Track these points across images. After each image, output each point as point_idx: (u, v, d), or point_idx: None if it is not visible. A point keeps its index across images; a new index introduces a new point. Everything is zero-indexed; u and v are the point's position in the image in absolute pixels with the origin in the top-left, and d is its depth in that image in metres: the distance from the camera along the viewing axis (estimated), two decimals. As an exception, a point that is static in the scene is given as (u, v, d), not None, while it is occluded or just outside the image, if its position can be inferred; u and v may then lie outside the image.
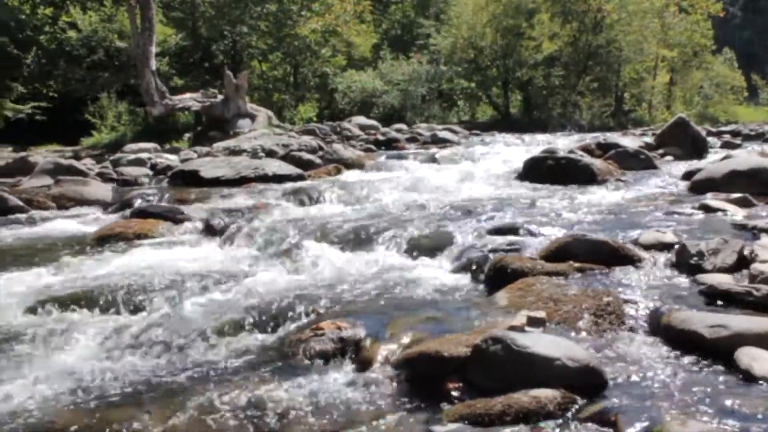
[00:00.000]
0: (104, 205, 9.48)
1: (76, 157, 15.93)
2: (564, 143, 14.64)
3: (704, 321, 3.27)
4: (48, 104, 23.83)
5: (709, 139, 13.91)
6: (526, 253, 4.96)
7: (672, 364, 3.12)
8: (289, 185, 9.77)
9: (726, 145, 13.94)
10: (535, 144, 15.57)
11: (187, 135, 19.51)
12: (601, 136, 14.63)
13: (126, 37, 24.64)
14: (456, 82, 34.82)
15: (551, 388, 2.78)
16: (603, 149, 11.04)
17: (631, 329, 3.56)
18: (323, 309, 4.19)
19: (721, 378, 2.94)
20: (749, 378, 2.88)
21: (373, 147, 16.24)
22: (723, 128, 22.31)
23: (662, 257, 4.66)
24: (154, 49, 20.14)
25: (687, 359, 3.15)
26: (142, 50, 19.66)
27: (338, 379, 3.30)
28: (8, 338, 4.04)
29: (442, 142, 17.18)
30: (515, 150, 14.25)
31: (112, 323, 4.32)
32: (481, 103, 36.52)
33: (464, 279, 4.81)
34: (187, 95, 20.54)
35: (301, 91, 31.19)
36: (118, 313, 4.53)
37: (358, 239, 6.05)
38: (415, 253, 5.56)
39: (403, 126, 22.05)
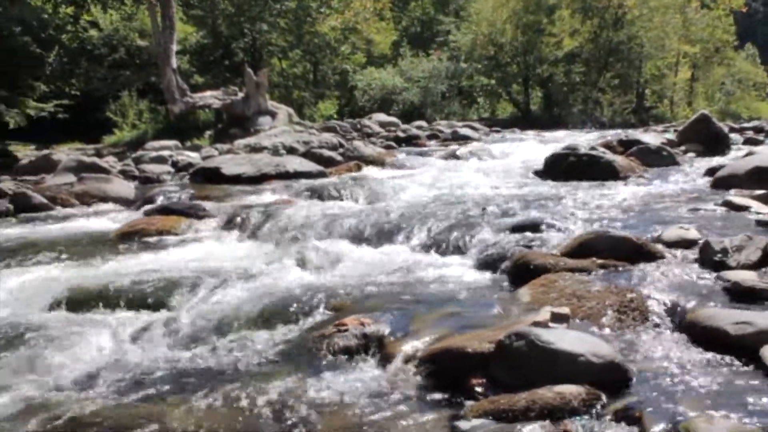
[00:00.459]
0: (127, 202, 9.55)
1: (99, 154, 16.04)
2: (585, 140, 14.57)
3: (729, 318, 3.25)
4: (70, 103, 23.96)
5: (732, 135, 13.78)
6: (548, 250, 4.95)
7: (697, 360, 3.11)
8: (310, 182, 9.78)
9: (748, 142, 13.80)
10: (556, 141, 15.49)
11: (207, 132, 19.54)
12: (622, 133, 14.57)
13: (147, 36, 24.75)
14: (476, 78, 34.70)
15: (575, 384, 2.78)
16: (624, 146, 10.98)
17: (655, 326, 3.55)
18: (346, 305, 4.21)
19: (746, 375, 2.92)
20: (775, 375, 2.87)
21: (393, 144, 16.22)
22: (745, 124, 22.10)
23: (686, 254, 4.63)
24: (174, 47, 20.22)
25: (712, 356, 3.14)
26: (163, 48, 19.74)
27: (362, 374, 3.31)
28: (34, 333, 4.07)
29: (463, 139, 17.14)
30: (536, 147, 14.20)
31: (135, 319, 4.37)
32: (501, 100, 36.39)
33: (486, 275, 4.81)
34: (208, 93, 20.60)
35: (321, 89, 31.19)
36: (141, 308, 4.56)
37: (379, 235, 6.06)
38: (436, 250, 5.56)
39: (424, 123, 22.02)
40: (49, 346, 3.85)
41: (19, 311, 4.54)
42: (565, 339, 2.96)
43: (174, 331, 4.08)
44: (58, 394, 3.27)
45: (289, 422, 2.89)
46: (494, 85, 34.76)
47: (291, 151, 13.29)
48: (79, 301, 4.63)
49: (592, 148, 9.98)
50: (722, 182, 7.49)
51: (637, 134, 13.83)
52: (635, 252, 4.57)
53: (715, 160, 9.72)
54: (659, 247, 4.71)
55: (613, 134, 15.32)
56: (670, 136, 13.58)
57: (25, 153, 20.01)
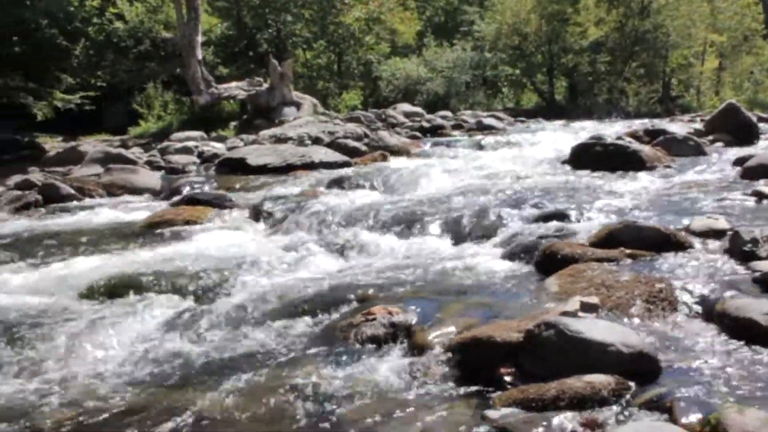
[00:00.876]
0: (153, 193, 9.63)
1: (124, 146, 16.16)
2: (611, 130, 14.46)
3: (760, 308, 3.23)
4: (96, 94, 24.13)
5: (760, 125, 13.60)
6: (576, 240, 4.93)
7: (727, 351, 3.09)
8: (335, 172, 9.79)
9: (779, 131, 13.63)
10: (581, 131, 15.38)
11: (232, 123, 19.61)
12: (648, 123, 14.45)
13: (172, 28, 24.84)
14: (500, 68, 34.46)
15: (605, 374, 2.77)
16: (651, 136, 10.88)
17: (685, 316, 3.54)
18: (373, 294, 4.21)
19: (777, 365, 2.91)
20: (807, 365, 2.85)
21: (418, 134, 16.17)
22: (774, 114, 21.84)
23: (715, 244, 4.60)
24: (199, 39, 20.27)
25: (742, 346, 3.12)
26: (188, 40, 19.80)
27: (390, 363, 3.32)
28: (65, 321, 4.13)
29: (488, 129, 17.05)
30: (561, 136, 14.10)
31: (164, 307, 4.41)
32: (525, 90, 36.12)
33: (513, 265, 4.80)
34: (233, 84, 20.65)
35: (345, 79, 31.17)
36: (170, 297, 4.61)
37: (406, 225, 6.06)
38: (463, 239, 5.57)
39: (448, 113, 21.90)
40: (80, 333, 3.91)
41: (51, 299, 4.60)
42: (594, 329, 2.95)
43: (202, 319, 4.11)
44: (88, 380, 3.31)
45: (317, 410, 2.91)
46: (519, 74, 34.53)
47: (316, 141, 13.29)
48: (109, 290, 4.69)
49: (619, 138, 9.90)
50: (752, 172, 7.41)
51: (664, 124, 13.70)
52: (664, 242, 4.54)
53: (744, 150, 9.60)
54: (688, 237, 4.68)
55: (639, 124, 15.18)
56: (697, 125, 13.45)
57: (53, 145, 20.21)
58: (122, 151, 13.21)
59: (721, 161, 9.10)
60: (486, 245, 5.35)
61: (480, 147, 12.56)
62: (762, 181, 6.76)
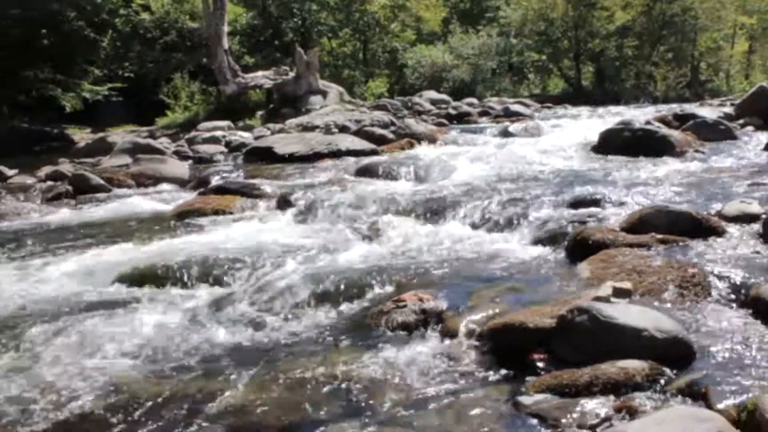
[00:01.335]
0: (182, 182, 9.69)
1: (152, 136, 16.26)
2: (639, 115, 14.34)
3: (795, 293, 3.20)
4: (123, 85, 24.31)
5: (792, 108, 13.43)
6: (606, 225, 4.89)
7: (762, 336, 3.06)
8: (363, 160, 9.79)
9: (810, 115, 13.42)
10: (609, 116, 15.27)
11: (259, 113, 19.64)
12: (677, 107, 14.30)
13: (197, 18, 24.96)
14: (526, 54, 34.29)
15: (639, 359, 2.75)
16: (680, 120, 10.77)
17: (718, 301, 3.50)
18: (403, 281, 4.22)
19: (813, 351, 2.87)
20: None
21: (444, 121, 16.12)
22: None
23: (747, 229, 4.55)
24: (225, 29, 20.34)
25: (777, 332, 3.09)
26: (214, 30, 19.88)
27: (421, 350, 3.32)
28: (97, 309, 4.18)
29: (514, 116, 16.95)
30: (589, 122, 14.00)
31: (194, 295, 4.44)
32: (552, 76, 35.91)
33: (543, 251, 4.79)
34: (259, 73, 20.71)
35: (371, 67, 31.16)
36: (200, 285, 4.64)
37: (435, 212, 6.06)
38: (492, 226, 5.55)
39: (474, 100, 21.84)
40: (111, 320, 3.95)
41: (83, 288, 4.66)
42: (628, 314, 2.93)
43: (233, 307, 4.14)
44: (118, 367, 3.34)
45: (349, 397, 2.92)
46: (545, 60, 34.31)
47: (343, 129, 13.28)
48: (141, 278, 4.74)
49: (647, 123, 9.83)
50: (784, 156, 7.33)
51: (693, 108, 13.55)
52: (696, 227, 4.50)
53: (776, 134, 9.49)
54: (720, 222, 4.63)
55: (667, 109, 15.05)
56: (727, 110, 13.29)
57: (82, 136, 20.38)
58: (150, 141, 13.30)
59: (752, 145, 9.01)
60: (515, 231, 5.33)
61: (507, 134, 12.49)
62: (795, 165, 6.68)
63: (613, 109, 19.28)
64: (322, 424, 2.71)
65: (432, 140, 12.07)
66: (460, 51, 31.06)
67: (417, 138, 12.00)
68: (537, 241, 4.97)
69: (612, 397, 2.62)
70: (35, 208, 8.12)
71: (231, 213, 7.04)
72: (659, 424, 2.26)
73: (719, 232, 4.48)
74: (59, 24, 20.78)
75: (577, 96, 28.36)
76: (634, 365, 2.71)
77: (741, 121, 11.28)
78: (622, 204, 5.56)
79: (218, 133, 14.43)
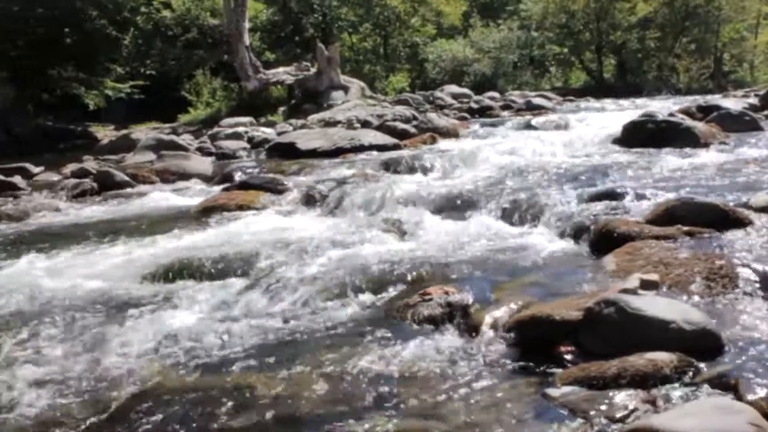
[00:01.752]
0: (205, 178, 9.74)
1: (175, 133, 16.36)
2: (662, 107, 14.25)
3: (826, 284, 3.17)
4: (145, 83, 24.49)
5: (818, 98, 13.28)
6: (631, 218, 4.87)
7: (791, 328, 3.04)
8: (385, 155, 9.80)
9: (836, 105, 13.28)
10: (632, 108, 15.18)
11: (281, 108, 19.71)
12: (700, 99, 14.20)
13: (218, 15, 25.07)
14: (548, 47, 34.16)
15: (667, 351, 2.74)
16: (704, 112, 10.69)
17: (746, 293, 3.46)
18: (428, 274, 4.22)
19: None
20: None
21: (466, 115, 16.10)
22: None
23: (776, 220, 4.51)
24: (246, 25, 20.41)
25: (807, 323, 3.06)
26: (235, 26, 19.97)
27: (448, 343, 3.33)
28: (123, 304, 4.22)
29: (537, 109, 16.90)
30: (611, 115, 13.94)
31: (219, 290, 4.46)
32: (573, 69, 35.75)
33: (568, 244, 4.78)
34: (281, 69, 20.79)
35: (392, 62, 31.16)
36: (226, 280, 4.66)
37: (458, 206, 6.06)
38: (516, 219, 5.54)
39: (496, 94, 21.79)
40: (142, 316, 3.99)
41: (112, 283, 4.69)
42: (655, 306, 2.92)
43: (259, 302, 4.16)
44: (145, 362, 3.37)
45: (375, 391, 2.92)
46: (566, 53, 34.16)
47: (365, 124, 13.30)
48: (168, 273, 4.78)
49: (671, 115, 9.77)
50: (811, 146, 7.26)
51: (717, 100, 13.45)
52: (722, 218, 4.46)
53: (802, 125, 9.40)
54: (747, 213, 4.59)
55: (690, 100, 14.95)
56: (752, 101, 13.18)
57: (105, 133, 20.55)
58: (174, 137, 13.38)
59: (778, 136, 8.93)
60: (539, 225, 5.32)
61: (530, 127, 12.45)
62: (822, 156, 6.61)
63: (635, 101, 19.18)
64: (351, 416, 2.72)
65: (454, 134, 12.07)
66: (481, 45, 30.98)
67: (439, 132, 11.99)
68: (561, 234, 4.95)
69: (640, 390, 2.61)
70: (61, 204, 8.20)
71: (255, 208, 7.08)
72: (689, 415, 2.25)
73: (746, 224, 4.43)
74: (82, 23, 20.95)
75: (599, 89, 28.23)
76: (663, 357, 2.70)
77: (766, 112, 11.19)
78: (646, 196, 5.52)
79: (240, 129, 14.49)
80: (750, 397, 2.46)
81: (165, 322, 3.87)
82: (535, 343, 3.11)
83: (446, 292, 3.73)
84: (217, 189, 8.47)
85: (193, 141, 13.80)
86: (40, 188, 9.21)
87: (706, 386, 2.60)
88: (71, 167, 10.61)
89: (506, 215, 5.67)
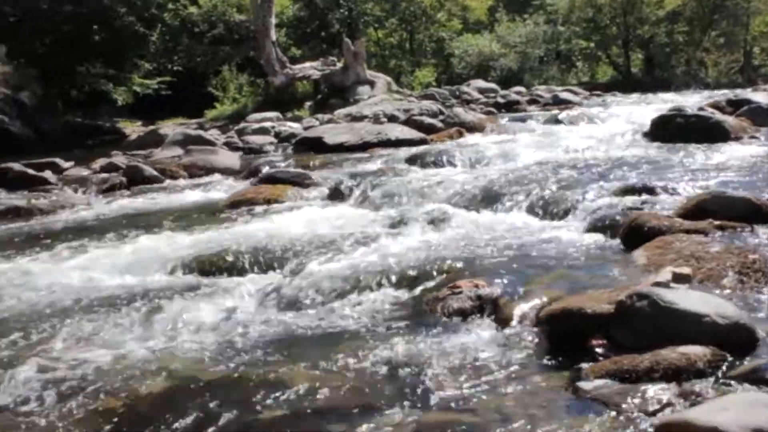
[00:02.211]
0: (233, 173, 9.79)
1: (202, 128, 16.44)
2: (691, 101, 14.13)
3: None
4: (173, 79, 24.65)
5: None
6: (661, 212, 4.84)
7: (826, 322, 3.01)
8: (412, 149, 9.82)
9: None
10: (660, 103, 15.06)
11: (307, 103, 19.74)
12: (730, 93, 14.06)
13: (245, 11, 25.14)
14: (574, 42, 33.92)
15: (700, 345, 2.72)
16: (734, 106, 10.60)
17: (780, 287, 3.44)
18: (458, 268, 4.21)
19: None
20: None
21: (493, 110, 16.08)
22: None
23: (809, 213, 4.46)
24: (273, 21, 20.47)
25: (842, 318, 3.03)
26: (262, 22, 20.03)
27: (478, 336, 3.33)
28: (153, 297, 4.25)
29: (563, 104, 16.82)
30: (639, 109, 13.83)
31: (249, 283, 4.50)
32: (600, 63, 35.51)
33: (597, 238, 4.74)
34: (307, 64, 20.84)
35: (418, 57, 31.12)
36: (256, 273, 4.70)
37: (486, 200, 6.05)
38: (545, 213, 5.53)
39: (522, 89, 21.72)
40: (172, 309, 4.01)
41: (140, 277, 4.74)
42: (688, 299, 2.90)
43: (288, 295, 4.18)
44: (175, 355, 3.39)
45: (407, 382, 2.92)
46: (593, 48, 33.90)
47: (392, 119, 13.30)
48: (198, 267, 4.82)
49: (700, 109, 9.69)
50: (844, 140, 7.17)
51: (747, 94, 13.31)
52: (755, 213, 4.42)
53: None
54: (780, 207, 4.55)
55: (720, 95, 14.81)
56: (783, 94, 13.02)
57: (133, 129, 20.69)
58: (201, 132, 13.46)
59: (811, 130, 8.83)
60: (569, 219, 5.31)
61: (557, 121, 12.39)
62: None
63: (663, 96, 19.03)
64: (382, 408, 2.72)
65: (481, 129, 12.04)
66: (507, 39, 30.83)
67: (466, 127, 11.97)
68: (591, 228, 4.93)
69: (673, 383, 2.59)
70: (91, 199, 8.30)
71: (283, 202, 7.12)
72: (724, 410, 2.22)
73: (780, 218, 4.40)
74: (110, 19, 21.14)
75: (626, 83, 28.00)
76: (696, 351, 2.68)
77: (797, 106, 11.05)
78: (676, 190, 5.50)
79: (267, 124, 14.55)
80: (785, 392, 2.44)
81: (195, 314, 3.90)
82: (566, 336, 3.09)
83: (476, 285, 3.73)
84: (244, 183, 8.53)
85: (220, 136, 13.89)
86: (70, 183, 9.29)
87: (740, 380, 2.58)
88: (100, 162, 10.70)
89: (535, 209, 5.66)
